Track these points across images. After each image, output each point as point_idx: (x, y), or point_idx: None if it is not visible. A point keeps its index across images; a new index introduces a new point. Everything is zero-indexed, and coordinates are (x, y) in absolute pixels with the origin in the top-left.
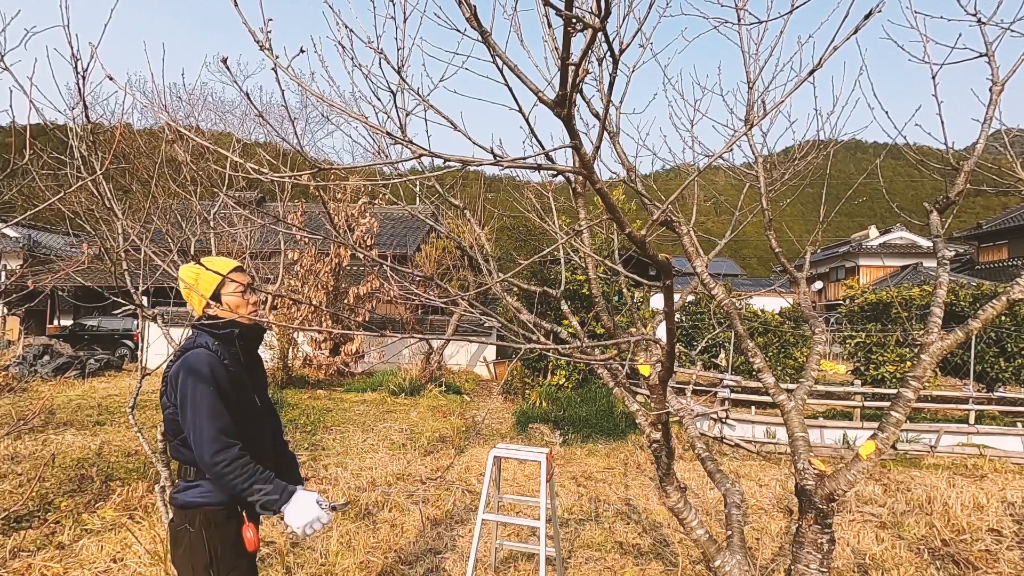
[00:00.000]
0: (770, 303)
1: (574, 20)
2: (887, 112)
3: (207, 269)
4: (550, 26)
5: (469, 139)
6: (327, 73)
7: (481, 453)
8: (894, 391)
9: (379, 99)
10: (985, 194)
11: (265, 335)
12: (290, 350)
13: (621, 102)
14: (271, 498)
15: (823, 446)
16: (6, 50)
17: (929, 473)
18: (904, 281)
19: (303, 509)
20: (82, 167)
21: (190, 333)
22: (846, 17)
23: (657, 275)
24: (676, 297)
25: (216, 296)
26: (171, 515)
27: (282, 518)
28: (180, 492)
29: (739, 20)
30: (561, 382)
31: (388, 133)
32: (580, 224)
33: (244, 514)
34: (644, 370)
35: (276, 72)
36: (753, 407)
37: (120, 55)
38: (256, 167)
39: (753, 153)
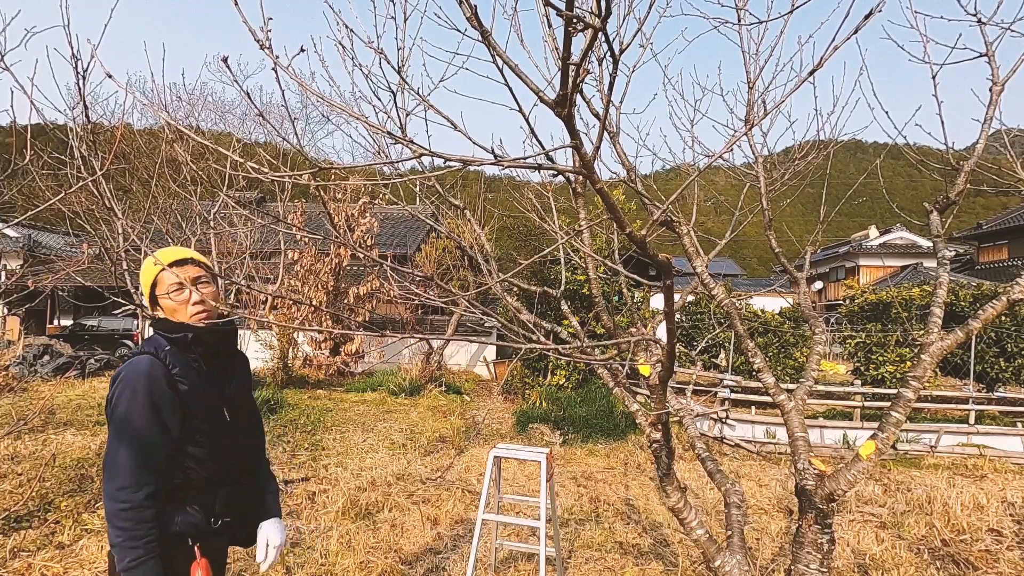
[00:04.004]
0: (770, 303)
1: (575, 20)
2: (887, 112)
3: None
4: (550, 26)
5: (469, 139)
6: (327, 73)
7: (481, 453)
8: (894, 391)
9: (379, 99)
10: (985, 194)
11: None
12: (290, 350)
13: (621, 102)
14: None
15: (823, 446)
16: (6, 50)
17: (929, 473)
18: (904, 281)
19: None
20: (82, 167)
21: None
22: (846, 17)
23: (657, 275)
24: (676, 297)
25: (153, 298)
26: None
27: None
28: None
29: (739, 20)
30: (561, 382)
31: (388, 133)
32: (580, 224)
33: (197, 548)
34: (644, 370)
35: (276, 72)
36: (753, 407)
37: (120, 55)
38: (256, 167)
39: (753, 153)
